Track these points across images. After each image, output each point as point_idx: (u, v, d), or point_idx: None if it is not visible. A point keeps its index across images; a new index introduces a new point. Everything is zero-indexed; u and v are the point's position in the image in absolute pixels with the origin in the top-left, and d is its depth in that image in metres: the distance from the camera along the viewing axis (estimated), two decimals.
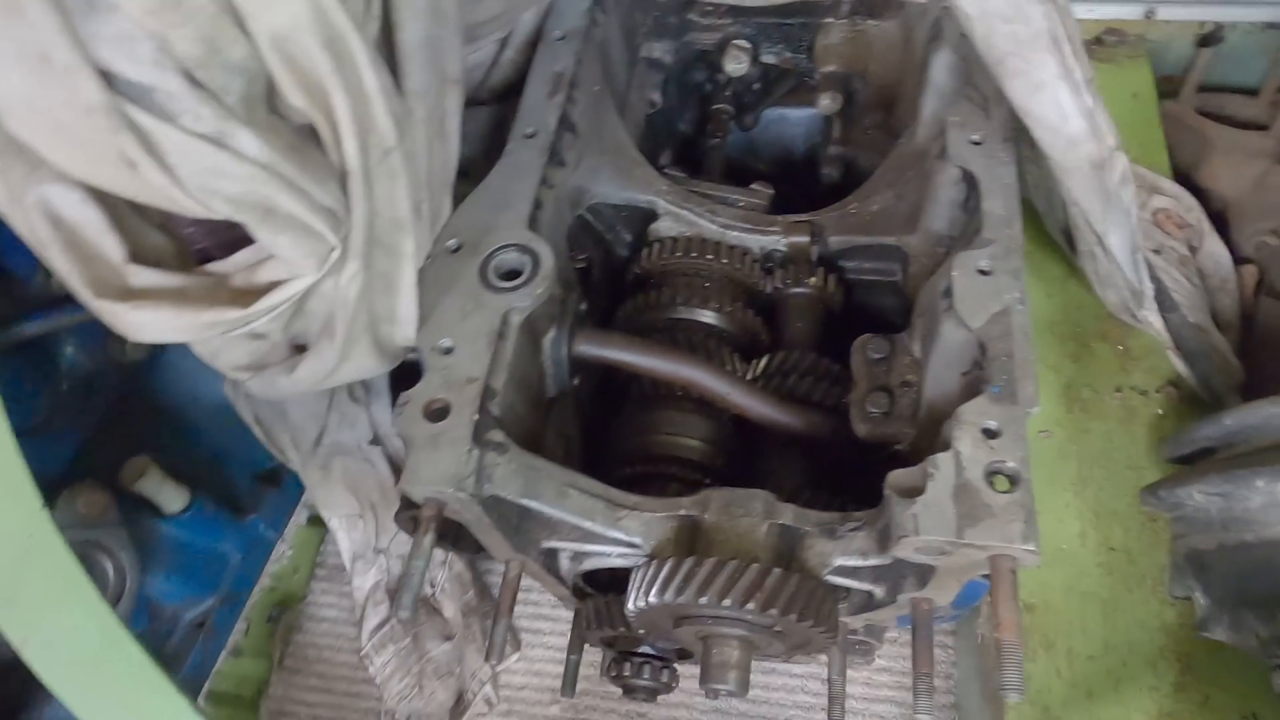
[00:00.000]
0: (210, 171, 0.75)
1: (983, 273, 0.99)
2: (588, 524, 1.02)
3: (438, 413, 0.97)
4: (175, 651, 1.51)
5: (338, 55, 0.77)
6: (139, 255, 0.89)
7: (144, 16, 0.65)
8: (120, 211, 0.89)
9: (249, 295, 0.90)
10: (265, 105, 0.78)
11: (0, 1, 0.64)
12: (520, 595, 1.73)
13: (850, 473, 1.21)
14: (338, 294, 0.93)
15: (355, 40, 0.78)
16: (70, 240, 0.86)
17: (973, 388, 0.96)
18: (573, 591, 1.21)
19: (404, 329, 1.04)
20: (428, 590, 1.65)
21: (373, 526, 1.57)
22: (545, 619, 1.74)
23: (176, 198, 0.76)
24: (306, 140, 0.84)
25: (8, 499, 0.90)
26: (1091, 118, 0.96)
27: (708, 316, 1.30)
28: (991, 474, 0.86)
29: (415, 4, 0.90)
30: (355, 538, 1.58)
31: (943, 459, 0.87)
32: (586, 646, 1.29)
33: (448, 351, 1.02)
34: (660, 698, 1.28)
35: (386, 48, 0.92)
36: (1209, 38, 1.82)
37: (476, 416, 0.96)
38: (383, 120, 0.85)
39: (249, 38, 0.71)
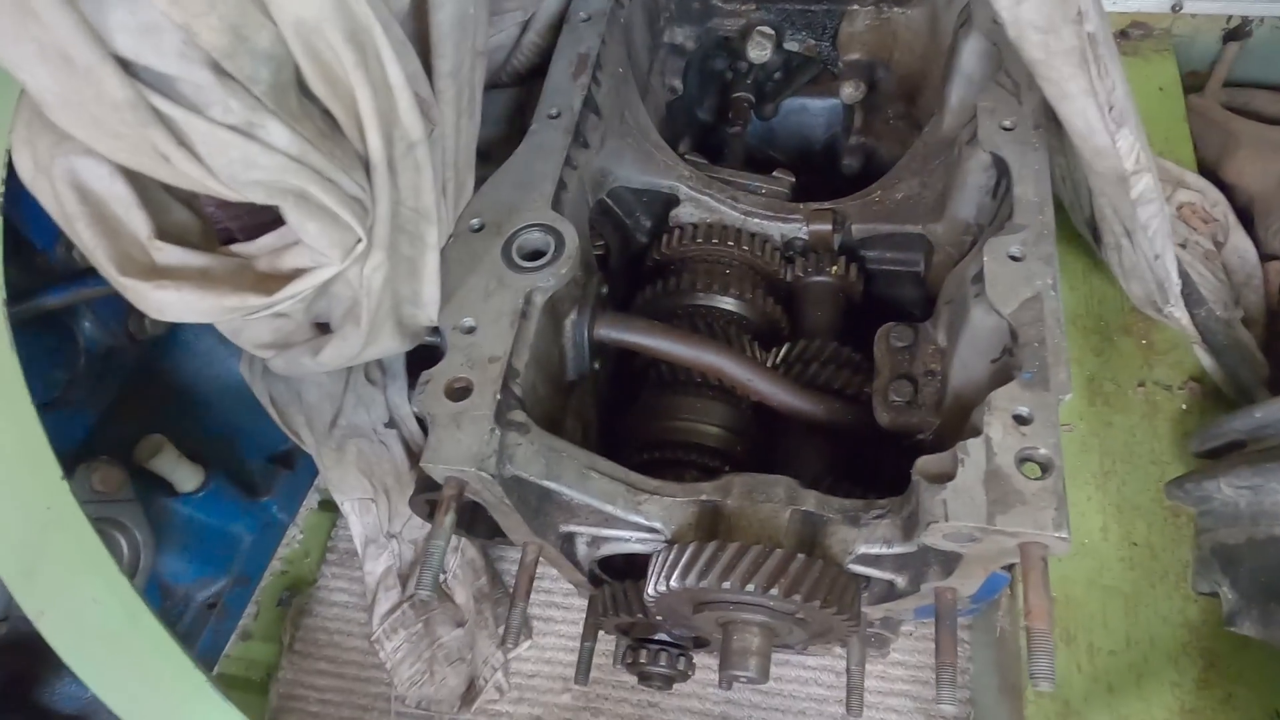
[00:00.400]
0: (240, 162, 0.75)
1: (1014, 258, 0.98)
2: (609, 508, 1.01)
3: (460, 391, 0.96)
4: (187, 632, 1.51)
5: (361, 48, 0.76)
6: (164, 232, 0.89)
7: (169, 6, 0.64)
8: (147, 187, 0.89)
9: (273, 281, 0.89)
10: (296, 91, 0.78)
11: (13, 2, 0.63)
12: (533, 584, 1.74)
13: (870, 462, 1.20)
14: (362, 282, 0.92)
15: (379, 34, 0.77)
16: (97, 214, 0.85)
17: (1002, 374, 0.95)
18: (589, 578, 1.21)
19: (427, 310, 1.03)
20: (440, 576, 1.64)
21: (385, 511, 1.56)
22: (557, 607, 1.74)
23: (212, 185, 0.76)
24: (336, 126, 0.84)
25: (28, 470, 0.89)
26: (1116, 137, 0.95)
27: (728, 303, 1.29)
28: (1023, 460, 0.84)
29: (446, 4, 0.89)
30: (368, 522, 1.57)
31: (973, 445, 0.86)
32: (599, 634, 1.28)
33: (470, 331, 1.01)
34: (673, 688, 1.27)
35: (419, 25, 0.91)
36: (1235, 32, 1.79)
37: (499, 396, 0.96)
38: (407, 115, 0.84)
39: (274, 23, 0.71)
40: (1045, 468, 0.84)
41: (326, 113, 0.82)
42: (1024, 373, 0.89)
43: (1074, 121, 0.94)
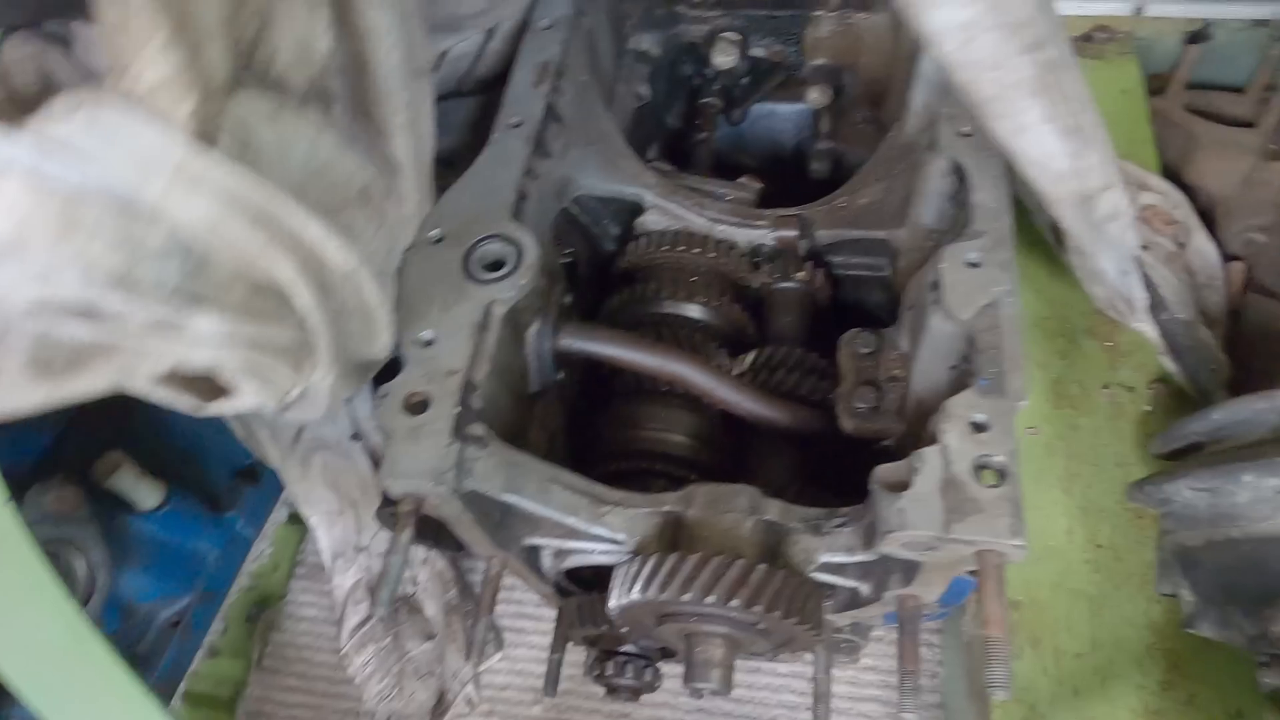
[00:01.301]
0: (175, 351, 0.73)
1: (972, 265, 0.98)
2: (570, 520, 1.00)
3: (418, 405, 0.95)
4: (150, 651, 1.48)
5: (268, 223, 0.73)
6: None
7: (53, 248, 0.62)
8: None
9: (208, 391, 0.85)
10: (210, 268, 0.74)
11: None
12: (503, 594, 1.73)
13: (838, 468, 1.20)
14: (310, 388, 0.90)
15: (285, 203, 0.73)
16: None
17: (961, 381, 0.95)
18: (556, 589, 1.20)
19: (381, 352, 1.01)
20: (409, 589, 1.63)
21: (353, 523, 1.54)
22: (528, 618, 1.72)
23: (154, 369, 0.74)
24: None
25: None
26: (1078, 158, 0.94)
27: (694, 311, 1.29)
28: (979, 468, 0.84)
29: (386, 41, 0.86)
30: (335, 535, 1.55)
31: (929, 453, 0.86)
32: (570, 645, 1.27)
33: (429, 344, 1.00)
34: (643, 697, 1.26)
35: (356, 70, 0.89)
36: (1197, 35, 1.82)
37: (458, 409, 0.95)
38: (335, 257, 0.81)
39: (164, 220, 0.68)
40: (1001, 475, 0.84)
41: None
42: (980, 379, 0.90)
43: (1030, 152, 0.91)
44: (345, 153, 0.84)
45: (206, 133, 0.66)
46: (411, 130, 0.95)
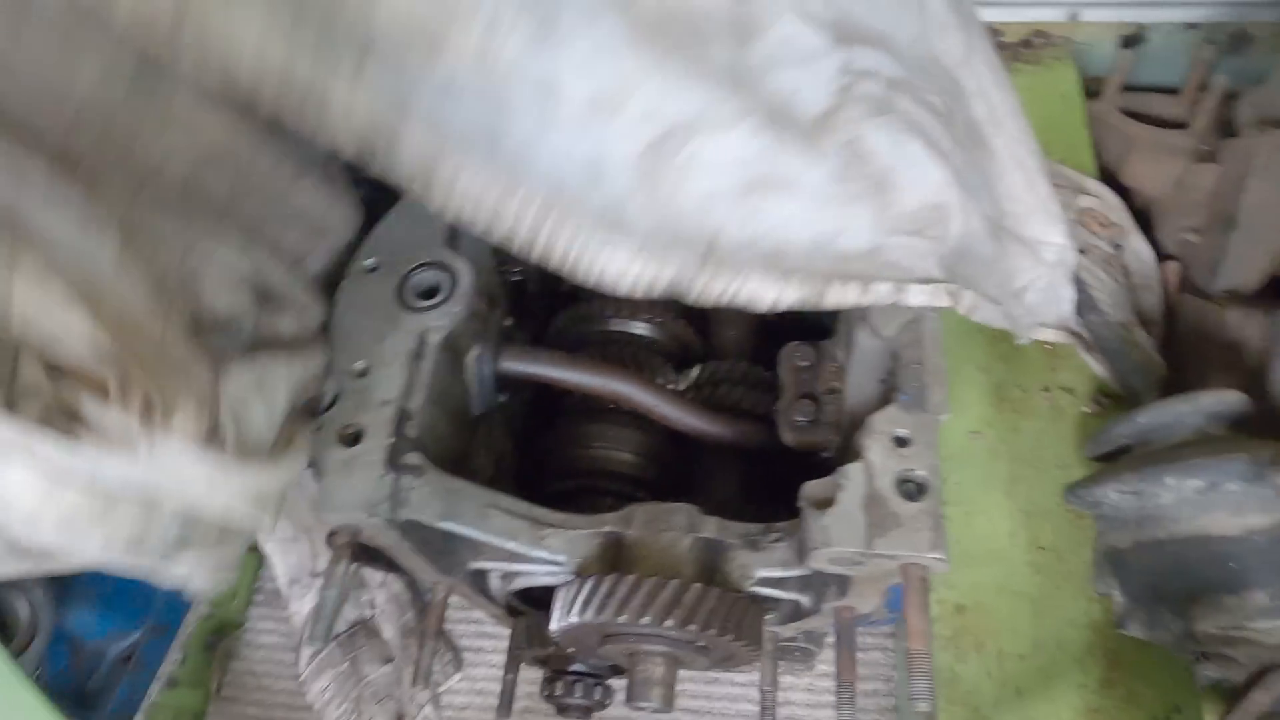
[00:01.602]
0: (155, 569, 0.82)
1: None
2: (510, 544, 1.01)
3: (351, 437, 0.95)
4: (100, 687, 1.46)
5: (265, 495, 0.84)
6: None
7: (87, 531, 0.71)
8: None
9: None
10: (202, 523, 0.82)
11: None
12: (461, 613, 1.73)
13: (785, 481, 1.21)
14: None
15: (276, 471, 0.85)
16: None
17: (889, 395, 0.96)
18: (506, 610, 1.20)
19: None
20: (366, 612, 1.62)
21: (308, 550, 1.54)
22: (488, 636, 1.72)
23: None
24: None
25: None
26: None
27: (639, 328, 1.30)
28: (901, 482, 0.86)
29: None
30: (291, 562, 1.54)
31: (853, 469, 0.87)
32: (524, 665, 1.27)
33: (363, 374, 1.00)
34: (602, 713, 1.27)
35: None
36: (1131, 38, 1.86)
37: (391, 439, 0.95)
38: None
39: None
40: (922, 489, 0.85)
41: None
42: (902, 394, 0.91)
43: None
44: (293, 367, 0.92)
45: (215, 430, 0.77)
46: (308, 310, 1.02)
